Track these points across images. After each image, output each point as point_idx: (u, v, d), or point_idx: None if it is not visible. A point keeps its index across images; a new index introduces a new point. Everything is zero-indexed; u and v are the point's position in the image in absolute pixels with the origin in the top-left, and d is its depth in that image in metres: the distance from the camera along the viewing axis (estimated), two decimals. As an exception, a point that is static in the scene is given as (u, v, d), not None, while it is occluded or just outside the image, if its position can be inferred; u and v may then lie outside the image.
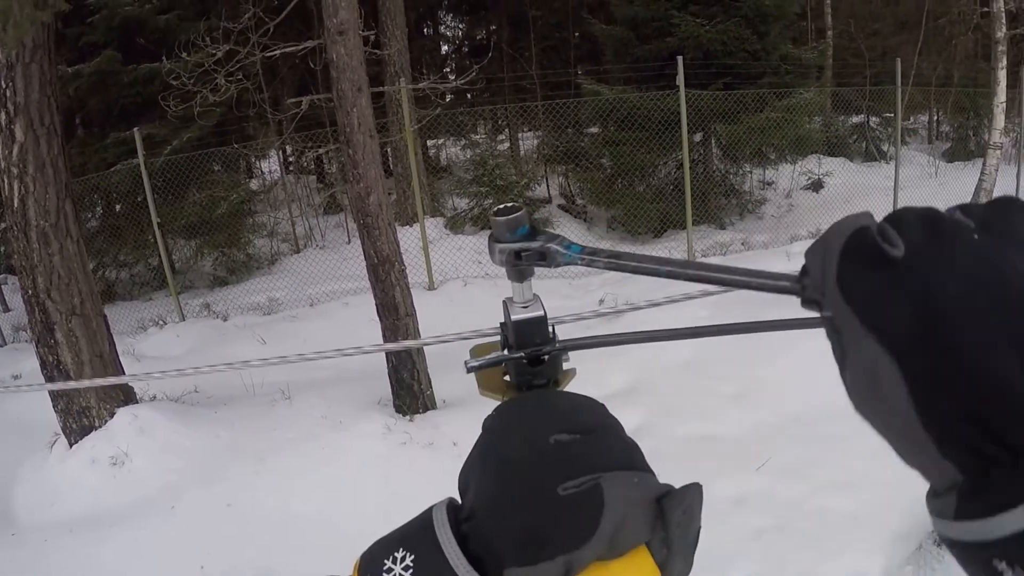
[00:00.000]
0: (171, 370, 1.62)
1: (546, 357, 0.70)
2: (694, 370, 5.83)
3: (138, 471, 5.27)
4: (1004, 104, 10.94)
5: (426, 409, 5.80)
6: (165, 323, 9.74)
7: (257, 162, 15.48)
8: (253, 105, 10.57)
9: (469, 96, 17.59)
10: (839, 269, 0.42)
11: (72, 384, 5.25)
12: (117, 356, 6.02)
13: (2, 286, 12.22)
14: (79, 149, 10.99)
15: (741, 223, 12.33)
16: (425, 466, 4.94)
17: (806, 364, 5.34)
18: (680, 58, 9.62)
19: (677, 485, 0.52)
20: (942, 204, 0.47)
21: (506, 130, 17.79)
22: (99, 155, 11.06)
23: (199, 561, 4.31)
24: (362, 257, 5.72)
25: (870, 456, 4.28)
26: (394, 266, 5.60)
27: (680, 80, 9.59)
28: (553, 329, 0.72)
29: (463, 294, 9.26)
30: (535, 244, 0.64)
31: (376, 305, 5.73)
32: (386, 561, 0.51)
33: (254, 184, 15.11)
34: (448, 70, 19.12)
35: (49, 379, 5.56)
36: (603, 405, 0.60)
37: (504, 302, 0.71)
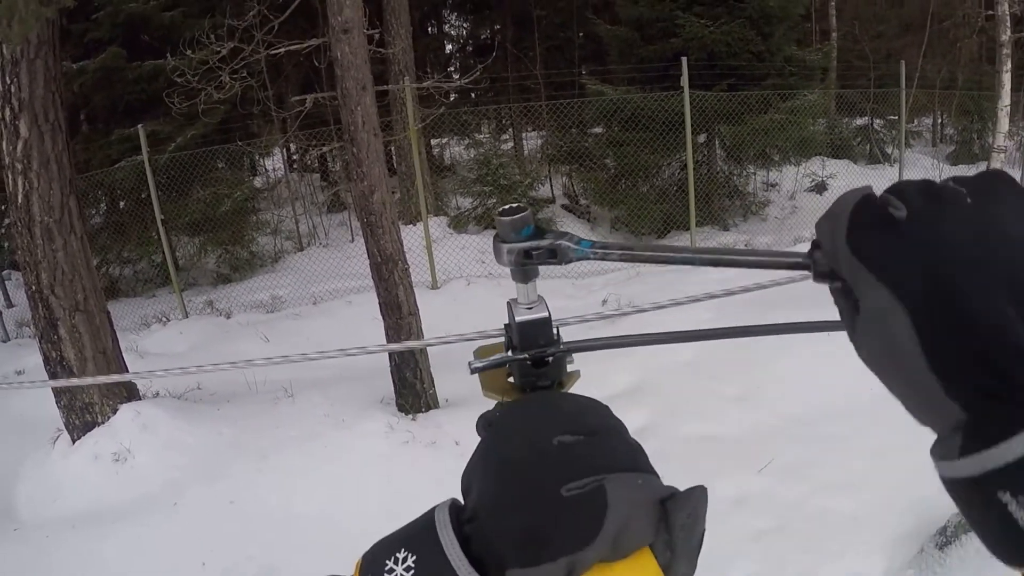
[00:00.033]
0: (174, 368, 1.63)
1: (550, 359, 0.70)
2: (697, 371, 5.82)
3: (141, 468, 5.28)
4: (1008, 107, 10.92)
5: (429, 408, 5.80)
6: (168, 320, 9.75)
7: (261, 160, 15.46)
8: (257, 103, 10.58)
9: (473, 95, 17.59)
10: (848, 230, 0.46)
11: (75, 381, 5.27)
12: (120, 352, 6.03)
13: (5, 282, 12.24)
14: (83, 145, 11.01)
15: (745, 225, 12.31)
16: (427, 465, 4.94)
17: (807, 366, 5.34)
18: (684, 59, 9.62)
19: (679, 486, 0.52)
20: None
21: (510, 129, 17.77)
22: (103, 151, 11.07)
23: (201, 558, 4.32)
24: (365, 256, 5.72)
25: (871, 457, 4.29)
26: (397, 265, 5.60)
27: (684, 81, 9.59)
28: (557, 331, 0.72)
29: (466, 293, 9.26)
30: (545, 242, 0.64)
31: (379, 304, 5.73)
32: (387, 562, 0.51)
33: (258, 182, 15.10)
34: (452, 69, 19.11)
35: (52, 375, 5.57)
36: (607, 407, 0.60)
37: (509, 303, 0.71)
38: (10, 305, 11.86)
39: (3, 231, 12.20)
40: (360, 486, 4.83)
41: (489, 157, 12.85)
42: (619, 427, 0.58)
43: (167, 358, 8.09)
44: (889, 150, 16.22)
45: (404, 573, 0.50)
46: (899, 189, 0.47)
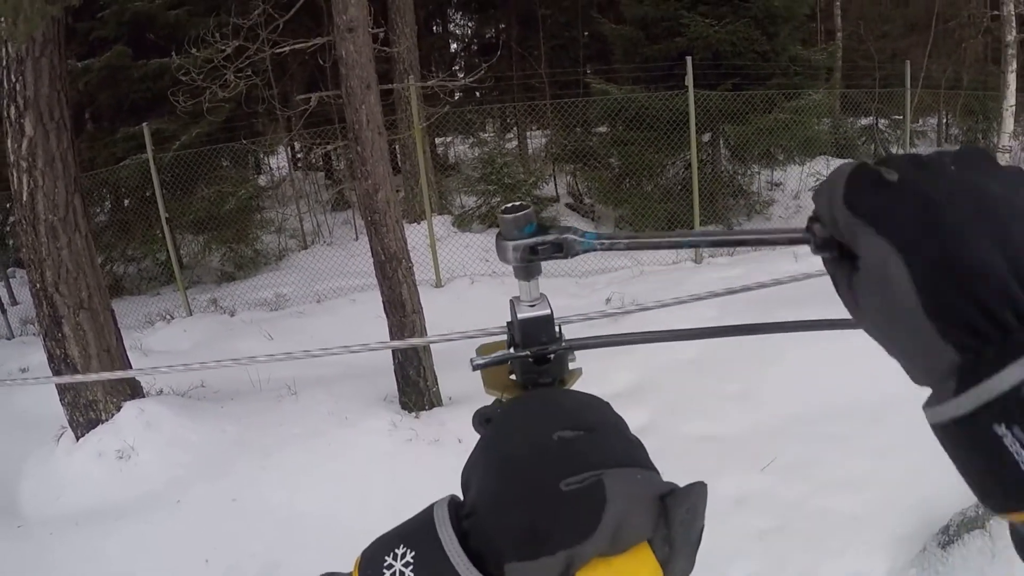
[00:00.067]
0: (178, 365, 1.64)
1: (552, 356, 0.70)
2: (698, 369, 5.82)
3: (144, 465, 5.29)
4: (1013, 107, 10.90)
5: (432, 406, 5.81)
6: (172, 318, 9.76)
7: (266, 158, 15.48)
8: (262, 101, 10.59)
9: (478, 94, 17.58)
10: (846, 193, 0.49)
11: (79, 377, 5.28)
12: (124, 350, 6.04)
13: (10, 279, 12.27)
14: (88, 144, 11.03)
15: (749, 224, 12.28)
16: (431, 463, 4.94)
17: (809, 365, 5.34)
18: (689, 58, 9.60)
19: (680, 484, 0.52)
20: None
21: (514, 128, 17.76)
22: (108, 150, 11.10)
23: (204, 555, 4.33)
24: (369, 254, 5.73)
25: (873, 457, 4.29)
26: (401, 263, 5.60)
27: (689, 80, 9.57)
28: (559, 328, 0.72)
29: (470, 292, 9.27)
30: (550, 236, 0.65)
31: (383, 302, 5.73)
32: (387, 558, 0.52)
33: (262, 180, 15.12)
34: (457, 68, 19.12)
35: (56, 372, 5.59)
36: (607, 403, 0.60)
37: (511, 301, 0.71)
38: (15, 303, 11.89)
39: (8, 229, 12.24)
40: (363, 484, 4.83)
41: (493, 156, 12.85)
42: (619, 423, 0.58)
43: (171, 356, 8.10)
44: (894, 150, 16.18)
45: (403, 569, 0.51)
46: (889, 159, 0.50)
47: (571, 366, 0.72)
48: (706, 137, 11.60)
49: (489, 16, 19.58)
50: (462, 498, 0.56)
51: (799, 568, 3.66)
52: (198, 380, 6.55)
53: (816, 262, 0.59)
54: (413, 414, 5.68)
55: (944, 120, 19.22)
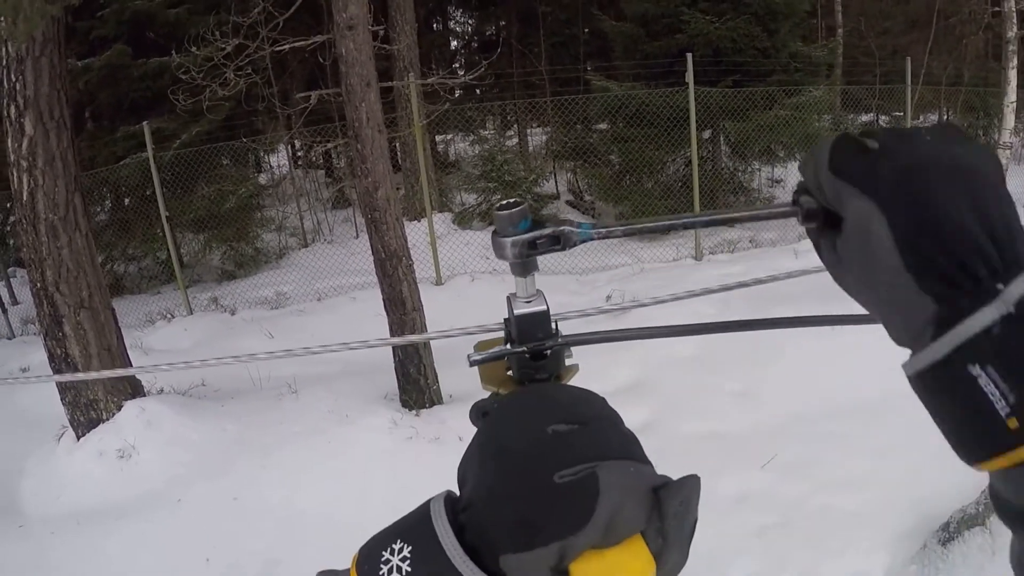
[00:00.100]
0: (178, 362, 1.64)
1: (548, 352, 0.70)
2: (699, 367, 5.82)
3: (145, 464, 5.30)
4: (1014, 104, 10.89)
5: (432, 404, 5.81)
6: (173, 317, 9.76)
7: (266, 156, 15.51)
8: (262, 99, 10.58)
9: (478, 91, 17.59)
10: (830, 159, 0.53)
11: (80, 376, 5.29)
12: (125, 349, 6.04)
13: (11, 279, 12.28)
14: (88, 143, 11.03)
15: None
16: (431, 461, 4.95)
17: (809, 363, 5.35)
18: (689, 55, 9.59)
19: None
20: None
21: (515, 126, 17.78)
22: (108, 149, 11.11)
23: (205, 554, 4.34)
24: (370, 252, 5.72)
25: (873, 455, 4.29)
26: (402, 261, 5.60)
27: (689, 77, 9.57)
28: (556, 324, 0.72)
29: (470, 289, 9.27)
30: (548, 230, 0.65)
31: (383, 300, 5.73)
32: (384, 553, 0.52)
33: (263, 178, 15.15)
34: (457, 65, 19.16)
35: (57, 372, 5.59)
36: (603, 398, 0.60)
37: (508, 297, 0.72)
38: (15, 302, 11.90)
39: (8, 228, 12.25)
40: (364, 482, 4.83)
41: (494, 153, 12.86)
42: (613, 417, 0.58)
43: (171, 354, 8.10)
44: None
45: (400, 563, 0.51)
46: (870, 130, 0.54)
47: (568, 362, 0.73)
48: (706, 134, 11.60)
49: (489, 13, 19.57)
50: (458, 493, 0.56)
51: (800, 566, 3.66)
52: (199, 379, 6.55)
53: (816, 259, 0.61)
54: (413, 412, 5.69)
55: (945, 116, 19.21)
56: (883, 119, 16.37)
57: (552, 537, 0.48)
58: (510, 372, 0.73)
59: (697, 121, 9.92)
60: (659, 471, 0.54)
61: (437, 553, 0.50)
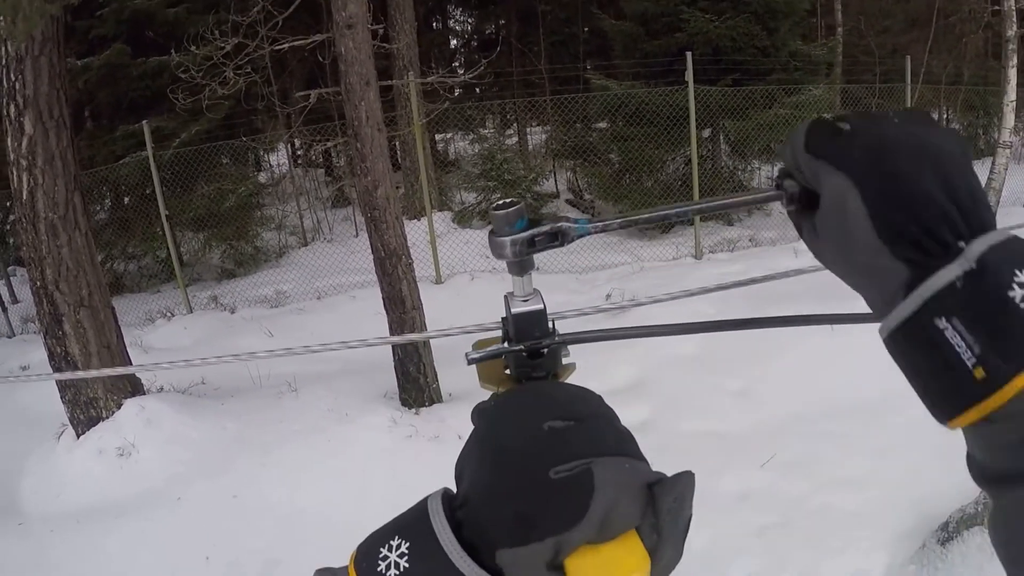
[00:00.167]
0: (178, 361, 1.64)
1: (545, 350, 0.70)
2: (699, 366, 5.82)
3: (145, 462, 5.30)
4: (1014, 102, 10.86)
5: (432, 402, 5.81)
6: (173, 315, 9.77)
7: (265, 155, 15.50)
8: (262, 98, 10.58)
9: (478, 90, 17.60)
10: (806, 141, 0.57)
11: (80, 374, 5.28)
12: (125, 348, 6.04)
13: (11, 278, 12.28)
14: (88, 142, 11.04)
15: (749, 219, 12.28)
16: (431, 459, 4.94)
17: (809, 362, 5.35)
18: (689, 54, 9.59)
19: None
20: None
21: (514, 125, 17.78)
22: (108, 148, 11.11)
23: (204, 552, 4.34)
24: (369, 251, 5.72)
25: (873, 454, 4.29)
26: (401, 260, 5.60)
27: (689, 76, 9.57)
28: (553, 323, 0.72)
29: (470, 288, 9.27)
30: (546, 227, 0.66)
31: (383, 298, 5.73)
32: (382, 550, 0.52)
33: (262, 177, 15.14)
34: (457, 64, 19.12)
35: (57, 370, 5.59)
36: (599, 396, 0.61)
37: (505, 296, 0.72)
38: (15, 301, 11.90)
39: (8, 227, 12.25)
40: (363, 480, 4.84)
41: (493, 152, 12.87)
42: (609, 414, 0.58)
43: (171, 353, 8.11)
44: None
45: (398, 560, 0.51)
46: (841, 115, 0.58)
47: (565, 360, 0.73)
48: (706, 133, 11.61)
49: (489, 12, 19.57)
50: (455, 489, 0.57)
51: (800, 565, 3.66)
52: (198, 377, 6.56)
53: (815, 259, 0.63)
54: (413, 410, 5.69)
55: (945, 115, 19.22)
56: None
57: (547, 532, 0.48)
58: (508, 370, 0.73)
59: (697, 120, 9.92)
60: (658, 470, 0.54)
61: (435, 550, 0.50)
